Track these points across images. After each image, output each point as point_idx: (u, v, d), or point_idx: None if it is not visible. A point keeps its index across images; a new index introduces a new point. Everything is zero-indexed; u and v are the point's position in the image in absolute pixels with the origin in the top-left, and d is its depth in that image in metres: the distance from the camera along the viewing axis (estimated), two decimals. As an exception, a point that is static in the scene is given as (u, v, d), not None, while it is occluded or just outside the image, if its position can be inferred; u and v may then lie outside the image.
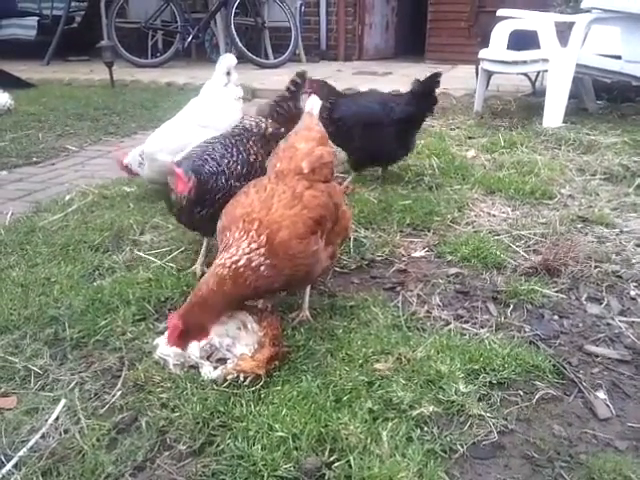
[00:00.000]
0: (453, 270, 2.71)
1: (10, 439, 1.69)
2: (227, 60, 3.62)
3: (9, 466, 1.58)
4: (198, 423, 1.73)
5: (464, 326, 2.26)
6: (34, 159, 4.75)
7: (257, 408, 1.76)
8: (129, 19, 10.42)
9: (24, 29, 10.33)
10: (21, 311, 2.31)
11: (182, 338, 1.91)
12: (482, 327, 2.26)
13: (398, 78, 8.33)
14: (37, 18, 10.40)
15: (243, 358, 1.90)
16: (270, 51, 9.83)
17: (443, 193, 3.65)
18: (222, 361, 1.94)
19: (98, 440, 1.69)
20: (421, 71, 9.02)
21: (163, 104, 6.78)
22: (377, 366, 1.93)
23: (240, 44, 9.13)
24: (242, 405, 1.78)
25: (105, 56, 7.65)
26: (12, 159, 4.72)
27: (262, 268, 1.90)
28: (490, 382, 1.91)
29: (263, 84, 7.63)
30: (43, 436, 1.70)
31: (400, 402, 1.78)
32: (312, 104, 2.42)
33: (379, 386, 1.85)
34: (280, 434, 1.63)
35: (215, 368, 1.91)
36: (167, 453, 1.66)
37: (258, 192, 2.03)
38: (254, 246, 1.89)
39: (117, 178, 4.05)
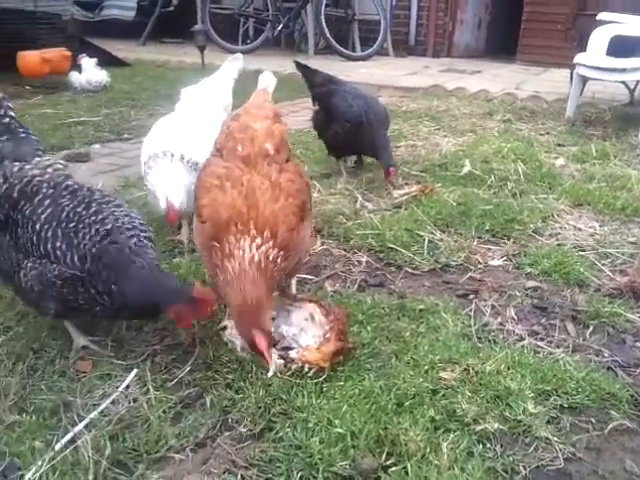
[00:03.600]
0: (532, 283, 2.61)
1: (84, 401, 1.78)
2: (240, 62, 3.35)
3: (81, 426, 1.66)
4: (260, 407, 1.76)
5: (539, 343, 2.17)
6: (125, 135, 4.95)
7: (318, 401, 1.76)
8: (223, 5, 10.66)
9: (124, 10, 10.77)
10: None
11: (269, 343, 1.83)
12: (558, 347, 2.16)
13: (487, 77, 8.09)
14: (137, 0, 10.81)
15: (309, 349, 1.91)
16: (358, 43, 9.78)
17: (527, 201, 3.51)
18: (287, 349, 1.96)
19: (164, 412, 1.75)
20: (512, 72, 8.74)
21: (249, 90, 6.87)
22: (443, 375, 1.88)
23: (328, 35, 9.16)
24: (304, 396, 1.79)
25: (198, 40, 7.86)
26: (105, 134, 4.94)
27: (279, 260, 1.85)
28: (561, 405, 1.83)
29: (349, 76, 7.60)
30: (113, 402, 1.77)
31: (464, 415, 1.73)
32: (267, 81, 2.37)
33: (443, 396, 1.81)
34: (339, 430, 1.62)
35: (280, 356, 1.93)
36: (228, 433, 1.69)
37: (235, 187, 1.91)
38: (259, 241, 1.80)
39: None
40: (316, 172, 3.97)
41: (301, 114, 5.84)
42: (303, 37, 10.21)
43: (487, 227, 3.12)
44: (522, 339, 2.19)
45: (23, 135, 2.08)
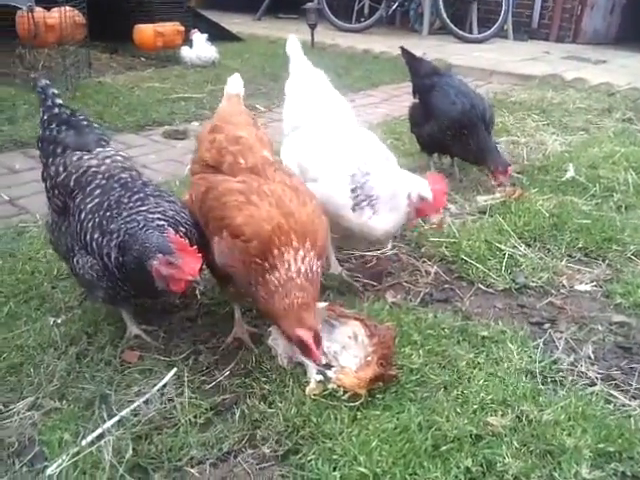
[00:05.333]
0: (619, 317, 2.32)
1: (119, 397, 1.80)
2: None
3: (109, 424, 1.68)
4: (288, 427, 1.70)
5: (612, 392, 1.91)
6: (224, 114, 4.99)
7: (349, 429, 1.66)
8: (340, -19, 10.48)
9: (245, -17, 10.93)
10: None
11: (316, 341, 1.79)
12: (634, 398, 1.90)
13: (613, 68, 7.34)
14: (258, -27, 10.89)
15: (346, 373, 1.81)
16: (475, 25, 9.25)
17: (633, 217, 3.14)
18: (327, 366, 1.87)
19: (195, 417, 1.73)
20: (641, 63, 7.87)
21: (354, 72, 6.76)
22: (491, 420, 1.70)
23: (444, 15, 8.74)
24: (336, 421, 1.70)
25: (309, 18, 7.80)
26: (205, 111, 5.02)
27: (320, 270, 1.86)
28: (623, 473, 1.60)
29: (460, 59, 7.25)
30: (147, 401, 1.78)
31: (505, 470, 1.56)
32: (236, 85, 2.31)
33: (487, 444, 1.64)
34: (362, 470, 1.52)
35: (319, 372, 1.85)
36: (251, 451, 1.65)
37: (262, 198, 1.84)
38: (302, 253, 1.78)
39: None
40: (403, 167, 3.78)
41: (402, 99, 5.63)
42: (418, 16, 9.83)
43: (580, 244, 2.82)
44: (594, 384, 1.94)
45: (85, 124, 2.08)
